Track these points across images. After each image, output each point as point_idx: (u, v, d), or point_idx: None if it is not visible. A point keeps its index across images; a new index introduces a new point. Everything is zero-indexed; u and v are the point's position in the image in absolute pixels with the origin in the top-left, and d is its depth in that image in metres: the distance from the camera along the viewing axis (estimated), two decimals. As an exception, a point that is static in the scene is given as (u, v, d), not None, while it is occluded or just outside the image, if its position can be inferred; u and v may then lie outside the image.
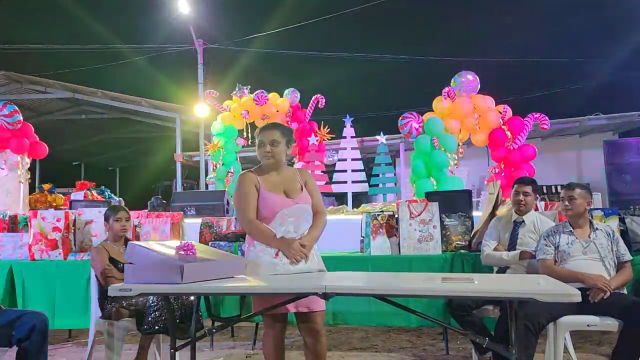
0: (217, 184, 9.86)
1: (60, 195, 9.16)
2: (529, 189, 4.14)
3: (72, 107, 15.63)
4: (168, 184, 17.61)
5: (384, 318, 4.44)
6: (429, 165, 7.61)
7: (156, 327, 3.56)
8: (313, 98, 9.66)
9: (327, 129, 9.72)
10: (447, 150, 7.57)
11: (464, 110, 7.69)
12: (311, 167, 9.34)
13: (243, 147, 10.37)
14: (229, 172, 9.80)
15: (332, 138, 10.05)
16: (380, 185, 9.91)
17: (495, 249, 4.10)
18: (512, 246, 4.06)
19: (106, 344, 3.69)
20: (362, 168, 10.08)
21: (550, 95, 17.60)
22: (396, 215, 4.64)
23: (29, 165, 8.00)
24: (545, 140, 13.97)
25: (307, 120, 9.73)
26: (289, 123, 9.42)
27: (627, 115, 12.95)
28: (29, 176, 8.14)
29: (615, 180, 8.91)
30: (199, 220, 5.33)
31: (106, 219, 4.12)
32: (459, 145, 7.86)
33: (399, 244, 4.54)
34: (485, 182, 8.17)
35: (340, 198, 11.21)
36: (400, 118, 7.94)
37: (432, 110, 7.95)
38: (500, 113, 7.76)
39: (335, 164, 10.29)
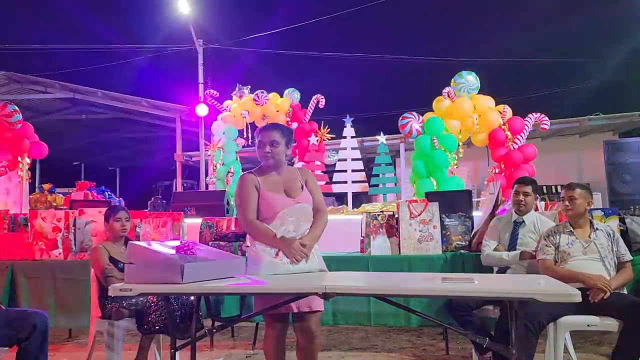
0: (217, 184, 9.85)
1: (61, 195, 9.15)
2: (529, 189, 4.14)
3: (72, 107, 15.61)
4: (168, 184, 17.62)
5: (384, 318, 4.44)
6: (429, 165, 7.61)
7: (156, 327, 3.56)
8: (313, 98, 9.66)
9: (327, 129, 9.71)
10: (447, 150, 7.57)
11: (464, 111, 7.70)
12: (311, 167, 9.34)
13: (243, 147, 10.35)
14: (229, 172, 9.79)
15: (332, 138, 10.04)
16: (381, 186, 9.89)
17: (495, 249, 4.10)
18: (512, 246, 4.06)
19: (106, 344, 3.69)
20: (362, 168, 10.07)
21: (551, 95, 17.60)
22: (396, 215, 4.64)
23: (29, 165, 8.00)
24: (546, 140, 13.96)
25: (307, 120, 9.73)
26: (289, 123, 9.42)
27: (627, 115, 12.94)
28: (29, 176, 8.14)
29: (615, 180, 8.92)
30: (199, 220, 5.33)
31: (106, 219, 4.12)
32: (459, 145, 7.87)
33: (399, 244, 4.54)
34: (486, 182, 8.17)
35: (341, 198, 11.20)
36: (400, 118, 7.95)
37: (432, 110, 7.95)
38: (501, 113, 7.76)
39: (335, 164, 10.28)
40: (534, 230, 4.06)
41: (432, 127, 7.63)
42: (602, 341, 4.68)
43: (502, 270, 4.06)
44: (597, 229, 3.73)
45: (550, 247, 3.73)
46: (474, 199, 7.37)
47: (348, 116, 10.13)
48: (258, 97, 9.47)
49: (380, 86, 20.84)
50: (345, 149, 9.93)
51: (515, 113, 7.88)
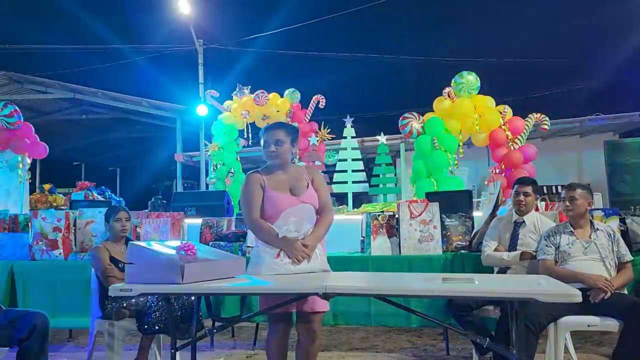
0: (217, 184, 9.85)
1: (61, 195, 9.18)
2: (529, 189, 4.13)
3: (73, 107, 15.63)
4: (168, 184, 17.63)
5: (385, 318, 4.44)
6: (430, 165, 7.62)
7: (156, 327, 3.56)
8: (313, 98, 9.67)
9: (328, 129, 9.73)
10: (447, 150, 7.57)
11: (465, 111, 7.69)
12: (311, 167, 9.33)
13: (243, 147, 10.36)
14: (229, 172, 9.80)
15: (333, 138, 10.06)
16: (381, 186, 9.91)
17: (495, 250, 4.09)
18: (512, 247, 4.06)
19: (107, 344, 3.69)
20: (363, 168, 10.09)
21: (551, 95, 17.61)
22: (396, 216, 4.64)
23: (29, 165, 8.00)
24: (546, 140, 13.97)
25: (307, 121, 9.73)
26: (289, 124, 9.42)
27: (628, 115, 12.95)
28: (30, 176, 8.14)
29: (615, 180, 8.90)
30: (199, 221, 5.33)
31: (106, 219, 4.12)
32: (459, 145, 7.86)
33: (399, 244, 4.54)
34: (486, 183, 8.17)
35: (341, 198, 11.20)
36: (400, 118, 7.94)
37: (433, 111, 7.95)
38: (501, 113, 7.76)
39: (335, 164, 10.29)
40: (535, 230, 4.05)
41: (432, 128, 7.63)
42: (603, 341, 4.68)
43: (503, 270, 4.05)
44: (597, 229, 3.73)
45: (550, 247, 3.73)
46: (474, 199, 7.36)
47: (348, 116, 10.15)
48: (258, 97, 9.47)
49: (381, 86, 20.85)
50: (345, 149, 9.95)
51: (516, 113, 7.88)
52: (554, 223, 4.11)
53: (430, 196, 5.26)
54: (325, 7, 16.38)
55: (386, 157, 9.86)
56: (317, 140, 9.53)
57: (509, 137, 7.69)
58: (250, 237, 4.72)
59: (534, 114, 7.95)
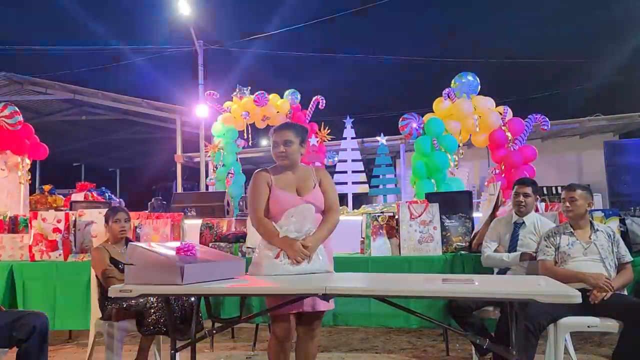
0: (217, 185, 9.85)
1: (61, 196, 9.16)
2: (529, 190, 4.13)
3: (73, 108, 15.63)
4: (168, 185, 17.62)
5: (384, 319, 4.44)
6: (429, 166, 7.61)
7: (156, 328, 3.56)
8: (313, 99, 9.66)
9: (328, 130, 9.72)
10: (447, 151, 7.57)
11: (464, 111, 7.69)
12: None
13: (243, 148, 10.36)
14: (229, 173, 9.79)
15: (333, 139, 10.05)
16: (381, 187, 9.91)
17: (495, 250, 4.09)
18: (512, 247, 4.06)
19: (106, 345, 3.69)
20: (363, 169, 10.08)
21: (551, 96, 17.62)
22: (396, 217, 4.64)
23: (29, 167, 7.99)
24: (546, 141, 13.97)
25: (307, 122, 9.73)
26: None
27: (628, 116, 12.95)
28: (30, 177, 8.13)
29: (615, 181, 8.92)
30: (199, 222, 5.33)
31: (106, 220, 4.12)
32: (459, 146, 7.86)
33: (399, 245, 4.54)
34: (486, 183, 8.16)
35: (341, 199, 11.21)
36: (400, 119, 7.94)
37: (433, 111, 7.95)
38: (501, 114, 7.76)
39: (335, 165, 10.29)
40: (534, 231, 4.05)
41: (432, 128, 7.63)
42: (603, 342, 4.68)
43: (503, 271, 4.05)
44: (597, 230, 3.73)
45: (550, 247, 3.73)
46: (474, 200, 7.36)
47: (348, 117, 10.15)
48: (258, 98, 9.47)
49: (381, 87, 20.87)
50: (345, 150, 9.95)
51: (516, 114, 7.88)
52: (554, 224, 4.11)
53: (430, 197, 5.27)
54: (325, 8, 16.40)
55: (386, 157, 9.86)
56: (317, 141, 9.53)
57: (509, 138, 7.69)
58: (251, 238, 4.72)
59: (534, 114, 7.94)
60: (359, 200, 12.21)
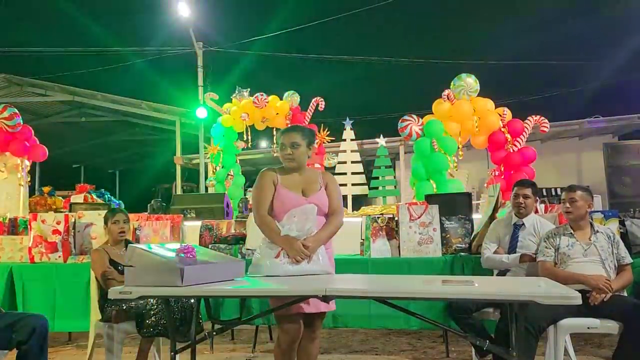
0: (216, 187, 9.84)
1: (60, 198, 9.14)
2: (528, 191, 4.13)
3: (72, 110, 15.64)
4: (168, 187, 17.60)
5: (384, 320, 4.43)
6: (429, 167, 7.61)
7: (156, 330, 3.56)
8: (313, 101, 9.66)
9: (327, 131, 9.72)
10: (446, 152, 7.57)
11: (464, 113, 7.69)
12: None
13: (243, 149, 10.36)
14: (228, 174, 9.79)
15: (332, 141, 10.04)
16: (380, 188, 9.89)
17: (495, 252, 4.09)
18: (512, 249, 4.06)
19: (106, 347, 3.69)
20: (362, 171, 10.07)
21: (550, 97, 17.63)
22: (396, 218, 4.64)
23: (28, 168, 7.99)
24: (545, 142, 13.97)
25: (306, 123, 9.72)
26: (288, 126, 9.42)
27: (627, 117, 12.95)
28: (29, 179, 8.13)
29: (615, 182, 8.93)
30: (198, 223, 5.33)
31: (105, 221, 4.13)
32: (458, 147, 7.86)
33: (399, 246, 4.54)
34: (485, 185, 8.16)
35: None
36: (400, 120, 7.94)
37: (432, 113, 7.94)
38: (500, 115, 7.76)
39: (335, 166, 10.29)
40: (534, 232, 4.05)
41: (431, 130, 7.63)
42: (603, 344, 4.68)
43: (502, 272, 4.05)
44: (597, 231, 3.73)
45: (550, 248, 3.73)
46: (474, 202, 7.36)
47: (348, 119, 10.14)
48: (258, 99, 9.46)
49: (380, 89, 20.88)
50: (345, 151, 9.93)
51: (515, 115, 7.88)
52: (554, 225, 4.11)
53: (430, 198, 5.27)
54: (324, 10, 16.41)
55: (385, 159, 9.84)
56: (317, 143, 9.52)
57: (509, 140, 7.69)
58: (250, 239, 4.72)
59: (533, 116, 7.94)
60: (359, 202, 12.21)
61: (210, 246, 4.82)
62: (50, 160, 8.78)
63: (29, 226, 4.91)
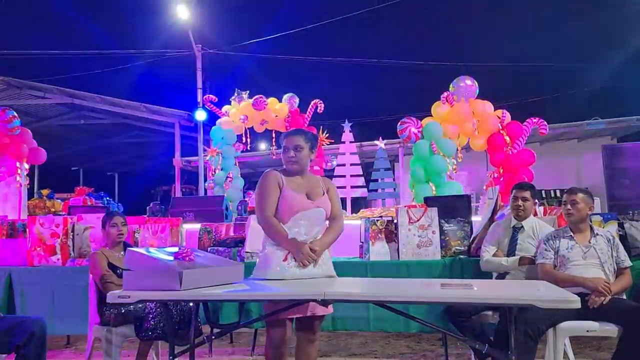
0: (216, 190, 9.83)
1: (59, 201, 9.13)
2: (527, 194, 4.13)
3: (71, 113, 15.61)
4: (167, 189, 17.60)
5: (383, 323, 4.43)
6: (428, 170, 7.61)
7: (155, 334, 3.55)
8: (312, 103, 9.66)
9: (326, 134, 9.71)
10: (445, 155, 7.57)
11: (463, 115, 7.69)
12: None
13: (242, 152, 10.35)
14: (228, 177, 9.79)
15: (331, 143, 10.04)
16: (379, 191, 9.89)
17: (494, 255, 4.09)
18: (511, 252, 4.06)
19: (104, 351, 3.68)
20: (361, 173, 10.07)
21: (549, 100, 17.64)
22: (395, 221, 4.63)
23: (27, 171, 7.98)
24: (544, 144, 13.98)
25: (306, 126, 9.72)
26: (288, 128, 9.41)
27: (626, 119, 12.96)
28: (28, 182, 8.12)
29: (614, 185, 8.90)
30: (197, 226, 5.32)
31: (102, 225, 4.12)
32: (457, 150, 7.86)
33: (398, 249, 4.53)
34: (484, 187, 8.16)
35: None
36: (399, 123, 7.94)
37: (431, 115, 7.95)
38: (499, 118, 7.76)
39: (334, 169, 10.28)
40: (533, 235, 4.05)
41: (430, 132, 7.63)
42: (602, 347, 4.67)
43: (501, 275, 4.05)
44: (597, 234, 3.73)
45: (549, 251, 3.73)
46: (473, 204, 7.36)
47: (347, 121, 10.13)
48: (257, 102, 9.46)
49: (379, 91, 20.88)
50: (344, 154, 9.92)
51: (514, 118, 7.88)
52: (553, 228, 4.11)
53: (429, 201, 5.26)
54: (323, 12, 16.42)
55: (384, 161, 9.85)
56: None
57: (508, 142, 7.69)
58: (250, 242, 4.71)
59: (532, 118, 7.95)
60: (358, 204, 12.20)
61: (209, 249, 4.81)
62: (49, 163, 8.78)
63: (27, 229, 4.91)
